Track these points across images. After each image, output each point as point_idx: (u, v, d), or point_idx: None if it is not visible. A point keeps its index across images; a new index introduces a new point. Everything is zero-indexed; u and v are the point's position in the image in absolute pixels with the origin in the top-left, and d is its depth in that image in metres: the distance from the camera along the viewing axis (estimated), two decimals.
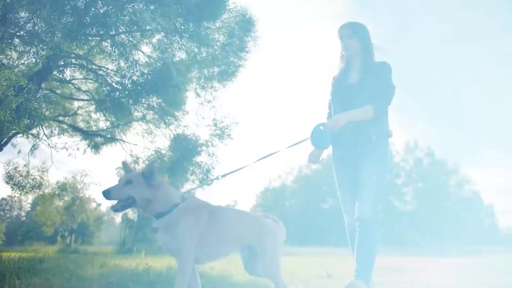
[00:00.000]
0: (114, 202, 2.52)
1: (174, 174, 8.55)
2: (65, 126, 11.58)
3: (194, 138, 8.73)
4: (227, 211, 2.93)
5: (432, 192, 50.10)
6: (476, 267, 5.16)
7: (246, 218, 2.93)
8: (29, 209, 71.52)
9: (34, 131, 9.53)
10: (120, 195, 2.46)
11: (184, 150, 8.21)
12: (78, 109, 11.36)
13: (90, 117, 12.05)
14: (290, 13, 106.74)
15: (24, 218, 73.61)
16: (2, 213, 78.42)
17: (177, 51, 7.14)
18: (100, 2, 4.62)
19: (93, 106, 11.36)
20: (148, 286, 3.81)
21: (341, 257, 7.69)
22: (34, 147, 11.76)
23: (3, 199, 78.64)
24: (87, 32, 4.40)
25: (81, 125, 11.97)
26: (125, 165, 2.73)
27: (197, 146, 8.64)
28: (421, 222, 50.13)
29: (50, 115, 7.46)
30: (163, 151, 9.22)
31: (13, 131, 5.30)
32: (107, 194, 2.44)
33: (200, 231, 2.58)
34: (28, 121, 4.63)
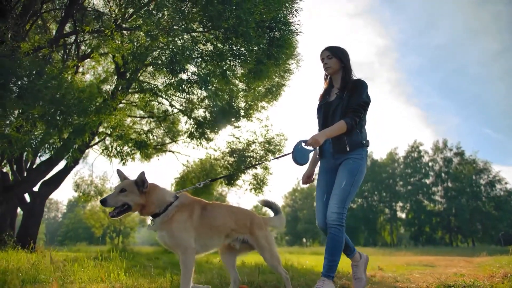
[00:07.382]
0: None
1: (231, 184, 9.64)
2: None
3: (251, 154, 9.71)
4: (219, 207, 3.12)
5: (462, 191, 49.42)
6: (497, 264, 5.83)
7: (237, 213, 3.14)
8: (65, 211, 74.46)
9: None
10: (116, 203, 2.64)
11: (241, 163, 9.25)
12: (133, 123, 12.62)
13: (142, 129, 13.31)
14: (314, 8, 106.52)
15: (60, 219, 76.52)
16: None
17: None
18: (203, 64, 5.69)
19: (144, 120, 12.62)
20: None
21: (375, 256, 8.61)
22: (85, 155, 13.07)
23: None
24: (186, 83, 5.45)
25: (133, 136, 13.23)
26: (119, 173, 2.86)
27: (253, 161, 9.50)
28: (451, 222, 49.65)
29: (150, 144, 8.60)
30: (219, 162, 10.31)
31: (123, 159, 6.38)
32: (104, 202, 2.62)
33: (194, 225, 2.79)
34: (135, 149, 5.73)
